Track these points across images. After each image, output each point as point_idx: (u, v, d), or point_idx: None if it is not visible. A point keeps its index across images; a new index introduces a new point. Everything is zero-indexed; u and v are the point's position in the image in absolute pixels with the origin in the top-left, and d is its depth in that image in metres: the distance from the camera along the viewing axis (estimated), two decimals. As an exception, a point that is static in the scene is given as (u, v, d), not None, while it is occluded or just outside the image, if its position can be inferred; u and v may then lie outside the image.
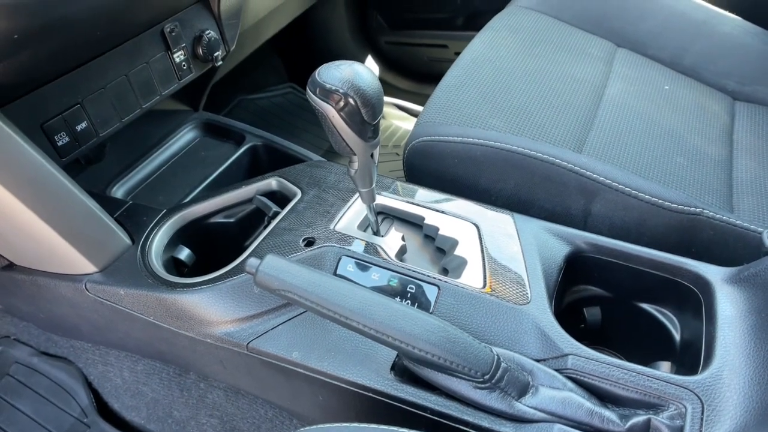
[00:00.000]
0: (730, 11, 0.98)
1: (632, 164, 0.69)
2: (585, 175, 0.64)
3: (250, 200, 0.71)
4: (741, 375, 0.46)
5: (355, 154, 0.54)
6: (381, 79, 1.53)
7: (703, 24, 0.97)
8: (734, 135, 0.86)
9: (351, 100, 0.49)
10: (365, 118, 0.51)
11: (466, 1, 1.35)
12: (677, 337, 0.59)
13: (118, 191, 0.77)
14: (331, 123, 0.51)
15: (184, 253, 0.68)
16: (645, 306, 0.62)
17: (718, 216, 0.64)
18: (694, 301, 0.56)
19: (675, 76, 0.94)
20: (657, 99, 0.87)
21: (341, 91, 0.49)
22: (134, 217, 0.68)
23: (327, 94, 0.49)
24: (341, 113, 0.50)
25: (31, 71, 0.52)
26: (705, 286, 0.55)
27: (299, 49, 1.51)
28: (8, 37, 0.41)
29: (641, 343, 0.62)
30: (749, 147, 0.83)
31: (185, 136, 0.86)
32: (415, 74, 1.50)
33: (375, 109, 0.51)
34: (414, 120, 1.51)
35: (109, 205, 0.67)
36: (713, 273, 0.56)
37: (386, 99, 1.53)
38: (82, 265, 0.61)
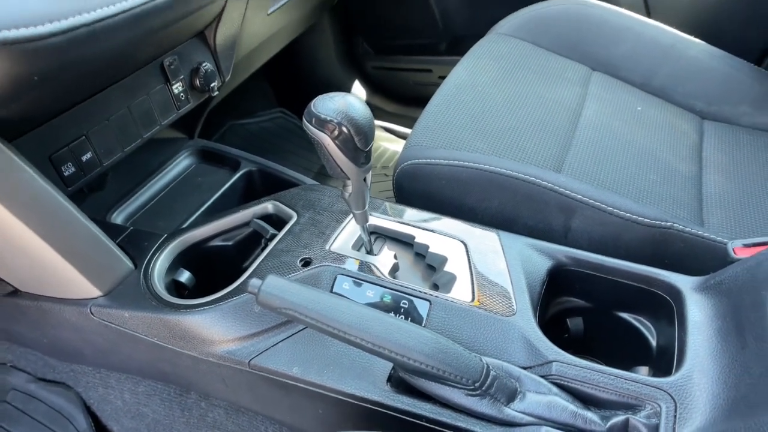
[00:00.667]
0: (695, 36, 1.04)
1: (608, 182, 0.74)
2: (564, 194, 0.69)
3: (247, 223, 0.74)
4: (709, 375, 0.50)
5: (348, 179, 0.58)
6: (368, 103, 1.59)
7: (671, 48, 1.03)
8: (703, 152, 0.91)
9: (344, 129, 0.53)
10: (358, 145, 0.55)
11: (447, 28, 1.42)
12: (653, 342, 0.63)
13: (119, 217, 0.80)
14: (327, 150, 0.55)
15: (184, 276, 0.71)
16: (624, 315, 0.66)
17: (687, 229, 0.68)
18: (668, 309, 0.60)
19: (646, 97, 1.00)
20: (630, 119, 0.93)
21: (335, 120, 0.53)
22: (136, 242, 0.70)
23: (322, 123, 0.53)
24: (336, 141, 0.54)
25: (41, 107, 0.55)
26: (676, 295, 0.59)
27: (288, 74, 1.56)
28: (29, 78, 0.44)
29: (621, 349, 0.66)
30: (717, 163, 0.88)
31: (182, 163, 0.89)
32: (402, 97, 1.56)
33: (367, 136, 0.55)
34: (401, 141, 1.56)
35: (111, 231, 0.70)
36: (683, 282, 0.60)
37: (374, 122, 1.58)
38: (88, 289, 0.64)
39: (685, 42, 1.04)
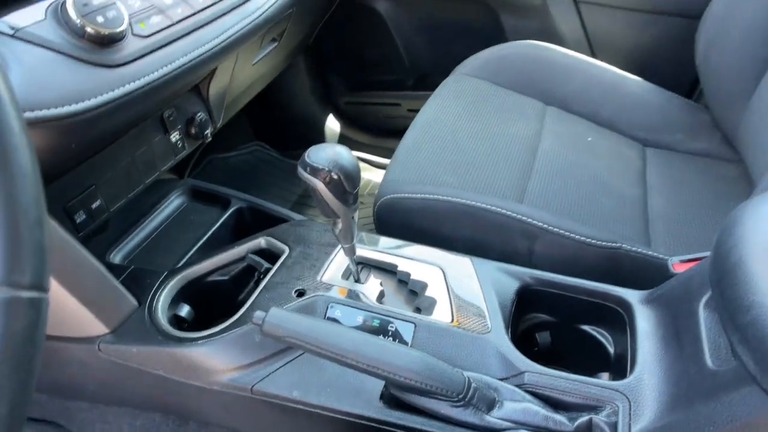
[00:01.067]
0: (634, 73, 1.18)
1: (565, 209, 0.83)
2: (527, 222, 0.78)
3: (242, 258, 0.80)
4: (656, 376, 0.58)
5: (339, 217, 0.65)
6: (342, 135, 1.68)
7: (613, 84, 1.16)
8: (647, 177, 1.03)
9: (335, 175, 0.61)
10: (347, 189, 0.62)
11: (414, 66, 1.52)
12: (611, 350, 0.72)
13: (117, 256, 0.84)
14: (320, 194, 0.62)
15: (184, 310, 0.76)
16: (585, 327, 0.75)
17: (634, 249, 0.78)
18: (621, 321, 0.69)
19: (596, 128, 1.12)
20: (583, 149, 1.04)
21: (327, 168, 0.60)
22: (138, 281, 0.75)
23: (315, 171, 0.60)
24: (328, 186, 0.61)
25: (63, 165, 0.61)
26: (627, 308, 0.68)
27: (265, 110, 1.63)
28: (68, 147, 0.50)
29: (585, 358, 0.74)
30: (659, 186, 1.00)
31: (174, 203, 0.94)
32: (374, 129, 1.65)
33: (354, 180, 0.62)
34: (376, 170, 1.65)
35: (114, 270, 0.74)
36: (632, 296, 0.69)
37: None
38: (96, 327, 0.68)
39: (625, 79, 1.17)
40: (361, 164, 1.66)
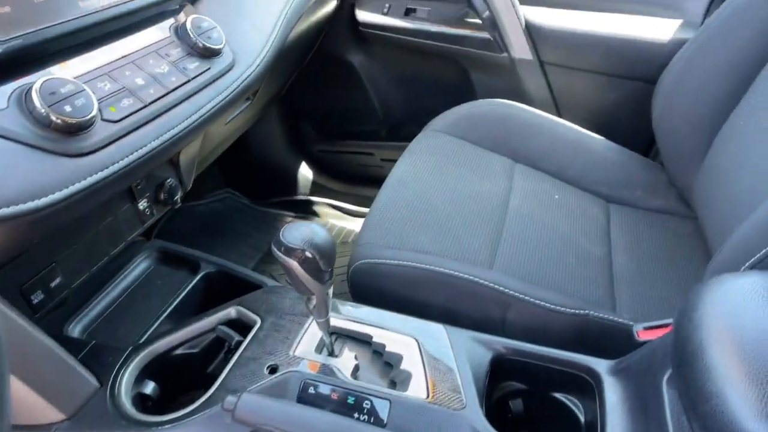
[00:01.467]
0: (595, 131, 1.23)
1: (534, 274, 0.85)
2: (499, 290, 0.79)
3: (212, 329, 0.78)
4: (625, 451, 0.59)
5: (313, 294, 0.65)
6: (315, 182, 1.69)
7: (577, 143, 1.21)
8: (611, 233, 1.07)
9: (309, 254, 0.61)
10: (322, 267, 0.62)
11: (387, 117, 1.55)
12: (582, 419, 0.73)
13: (76, 329, 0.80)
14: (294, 273, 0.62)
15: (149, 387, 0.73)
16: (557, 395, 0.75)
17: (600, 315, 0.81)
18: (590, 389, 0.71)
19: (562, 185, 1.16)
20: (550, 207, 1.07)
21: (301, 248, 0.60)
22: (99, 358, 0.71)
23: (290, 251, 0.60)
24: (302, 266, 0.61)
25: (21, 251, 0.58)
26: (596, 377, 0.70)
27: (235, 157, 1.62)
28: (29, 240, 0.48)
29: (557, 425, 0.75)
30: (623, 244, 1.04)
31: (140, 266, 0.92)
32: (346, 177, 1.66)
33: (330, 259, 0.62)
34: (348, 218, 1.65)
35: (72, 346, 0.70)
36: (601, 366, 0.71)
37: (322, 200, 1.67)
38: (51, 414, 0.64)
39: (588, 138, 1.23)
40: (335, 212, 1.66)
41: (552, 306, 0.79)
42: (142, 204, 0.79)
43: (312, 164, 1.67)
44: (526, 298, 0.79)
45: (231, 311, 0.79)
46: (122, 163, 0.55)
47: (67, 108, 0.51)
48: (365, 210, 1.62)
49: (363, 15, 1.38)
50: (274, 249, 0.61)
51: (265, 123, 1.57)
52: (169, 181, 0.82)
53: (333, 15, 1.32)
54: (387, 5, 1.37)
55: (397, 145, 1.55)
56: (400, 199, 1.00)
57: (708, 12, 1.20)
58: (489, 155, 1.19)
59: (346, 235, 1.58)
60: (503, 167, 1.16)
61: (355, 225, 1.61)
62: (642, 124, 1.27)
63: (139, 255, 0.93)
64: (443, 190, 1.04)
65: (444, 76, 1.43)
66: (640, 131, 1.27)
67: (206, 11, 0.78)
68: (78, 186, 0.50)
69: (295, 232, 0.61)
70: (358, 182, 1.63)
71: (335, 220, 1.64)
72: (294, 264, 0.61)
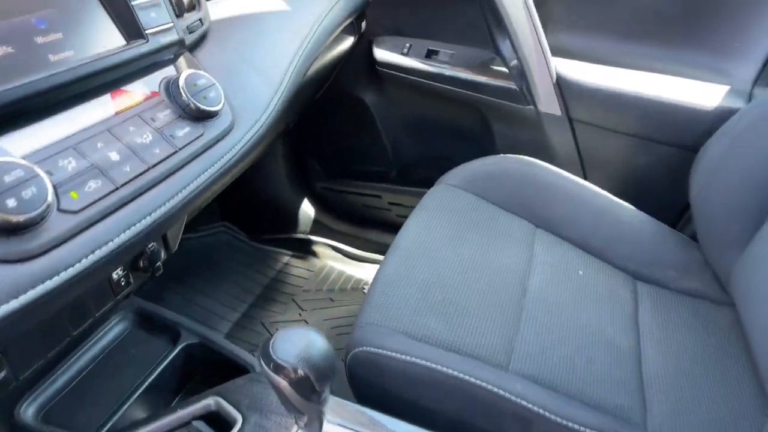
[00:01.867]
0: (622, 195, 1.14)
1: (556, 377, 0.75)
2: (520, 405, 0.69)
3: (186, 423, 0.67)
4: None
5: (304, 415, 0.54)
6: (317, 221, 1.58)
7: (603, 211, 1.11)
8: (639, 318, 0.96)
9: (302, 373, 0.50)
10: (317, 388, 0.52)
11: (398, 159, 1.46)
12: None
13: (30, 409, 0.69)
14: (283, 393, 0.51)
15: (107, 495, 0.62)
16: None
17: (633, 437, 0.70)
18: None
19: (586, 257, 1.05)
20: (573, 287, 0.97)
21: (294, 366, 0.50)
22: None
23: (279, 368, 0.50)
24: (293, 386, 0.51)
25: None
26: None
27: (234, 190, 1.52)
28: None
29: None
30: (653, 333, 0.93)
31: (113, 329, 0.81)
32: (350, 218, 1.56)
33: (328, 378, 0.52)
34: (349, 261, 1.55)
35: None
36: None
37: (322, 240, 1.56)
38: None
39: (617, 206, 1.13)
40: (335, 254, 1.56)
41: (579, 427, 0.68)
42: (117, 273, 0.68)
43: (314, 201, 1.57)
44: (551, 416, 0.68)
45: (210, 402, 0.69)
46: (78, 267, 0.44)
47: (11, 202, 0.40)
48: (367, 254, 1.52)
49: (381, 54, 1.29)
50: (262, 362, 0.51)
51: (268, 155, 1.47)
52: (150, 246, 0.71)
53: (349, 52, 1.23)
54: (408, 45, 1.28)
55: (407, 189, 1.46)
56: (409, 271, 0.89)
57: (757, 80, 1.11)
58: (508, 218, 1.09)
59: (345, 281, 1.48)
60: (523, 233, 1.06)
61: (355, 270, 1.51)
62: (674, 193, 1.17)
63: (114, 315, 0.83)
64: (458, 261, 0.94)
65: (462, 124, 1.34)
66: (672, 200, 1.18)
67: (206, 59, 0.68)
68: (15, 304, 0.39)
69: (289, 345, 0.51)
70: (363, 224, 1.53)
71: (334, 262, 1.54)
72: (283, 383, 0.50)
